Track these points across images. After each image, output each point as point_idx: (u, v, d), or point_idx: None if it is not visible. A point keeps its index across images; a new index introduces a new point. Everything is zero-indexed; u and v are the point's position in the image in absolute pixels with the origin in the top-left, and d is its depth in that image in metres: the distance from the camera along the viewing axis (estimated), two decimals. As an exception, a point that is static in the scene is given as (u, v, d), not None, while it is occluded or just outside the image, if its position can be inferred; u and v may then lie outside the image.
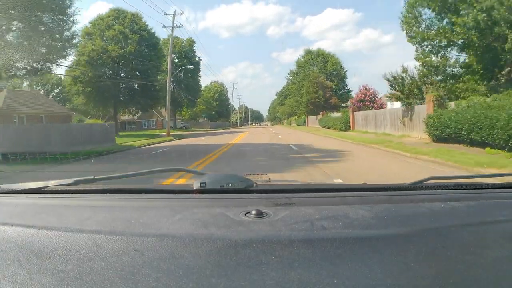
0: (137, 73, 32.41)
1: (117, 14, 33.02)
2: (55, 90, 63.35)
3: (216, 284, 0.57)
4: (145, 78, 31.76)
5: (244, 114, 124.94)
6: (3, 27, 15.76)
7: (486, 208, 0.95)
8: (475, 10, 12.58)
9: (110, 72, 31.27)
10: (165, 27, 28.90)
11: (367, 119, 21.72)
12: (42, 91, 65.53)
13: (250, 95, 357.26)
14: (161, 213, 0.87)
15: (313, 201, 0.98)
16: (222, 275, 0.59)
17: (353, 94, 46.25)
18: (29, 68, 19.37)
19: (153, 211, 0.89)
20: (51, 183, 1.13)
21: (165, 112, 60.46)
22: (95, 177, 1.14)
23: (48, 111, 32.46)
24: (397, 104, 34.63)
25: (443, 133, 12.33)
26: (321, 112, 36.27)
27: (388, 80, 16.21)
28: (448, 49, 17.22)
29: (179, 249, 0.67)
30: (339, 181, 5.62)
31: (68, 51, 21.97)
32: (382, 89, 44.00)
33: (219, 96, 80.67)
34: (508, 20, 11.95)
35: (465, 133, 10.98)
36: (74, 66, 30.51)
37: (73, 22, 21.52)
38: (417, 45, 17.73)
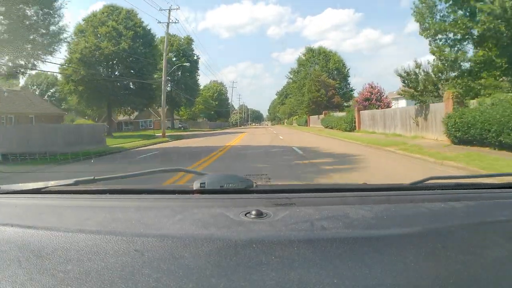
0: (132, 71, 31.04)
1: (111, 11, 31.70)
2: (51, 90, 62.00)
3: (216, 284, 0.57)
4: (140, 76, 30.38)
5: (244, 114, 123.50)
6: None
7: (486, 208, 0.95)
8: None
9: (104, 70, 29.93)
10: (160, 22, 27.52)
11: (375, 118, 20.31)
12: (38, 91, 64.68)
13: (250, 95, 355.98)
14: (161, 213, 0.88)
15: (313, 201, 0.98)
16: (222, 275, 0.59)
17: (355, 93, 45.03)
18: (11, 64, 18.10)
19: (153, 212, 0.90)
20: (51, 183, 1.13)
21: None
22: (95, 178, 1.14)
23: (38, 111, 31.12)
24: (402, 103, 33.38)
25: (466, 135, 10.97)
26: (323, 112, 34.82)
27: (400, 75, 14.78)
28: (464, 43, 15.79)
29: (179, 249, 0.67)
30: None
31: (56, 47, 20.70)
32: (386, 87, 42.68)
33: (219, 95, 79.17)
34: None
35: (494, 135, 9.63)
36: (66, 64, 29.35)
37: (60, 16, 20.15)
38: (430, 38, 16.32)
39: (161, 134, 28.18)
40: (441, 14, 15.47)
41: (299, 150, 11.30)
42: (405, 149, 10.91)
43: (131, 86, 32.25)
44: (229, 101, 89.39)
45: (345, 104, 41.34)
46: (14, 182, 1.14)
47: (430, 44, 16.38)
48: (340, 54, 47.49)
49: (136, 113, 51.68)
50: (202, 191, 1.04)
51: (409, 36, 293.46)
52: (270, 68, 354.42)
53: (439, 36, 15.97)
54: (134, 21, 31.73)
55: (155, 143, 20.59)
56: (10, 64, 17.75)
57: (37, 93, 63.77)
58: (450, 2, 14.43)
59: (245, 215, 0.82)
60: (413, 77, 14.80)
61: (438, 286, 0.57)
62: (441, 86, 14.47)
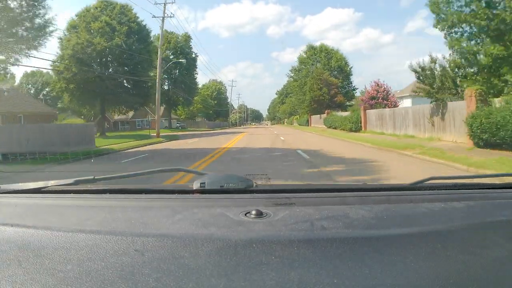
0: (126, 68, 29.66)
1: (105, 6, 30.33)
2: (46, 89, 60.58)
3: (216, 284, 0.57)
4: (135, 74, 28.99)
5: (244, 113, 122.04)
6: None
7: (486, 208, 0.95)
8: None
9: (97, 67, 28.54)
10: (155, 17, 26.07)
11: (383, 118, 18.92)
12: (33, 90, 63.31)
13: (250, 95, 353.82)
14: (161, 213, 0.88)
15: (313, 201, 0.98)
16: (222, 275, 0.59)
17: (358, 92, 43.76)
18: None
19: (153, 211, 0.90)
20: (51, 183, 1.12)
21: (160, 111, 57.84)
22: (95, 177, 1.14)
23: (28, 110, 29.81)
24: (407, 102, 31.98)
25: (494, 137, 9.61)
26: (325, 111, 33.39)
27: (415, 71, 13.41)
28: (483, 36, 14.44)
29: (179, 249, 0.67)
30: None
31: (41, 41, 19.35)
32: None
33: (218, 94, 77.69)
34: None
35: (530, 138, 8.30)
36: (58, 61, 28.04)
37: (45, 7, 18.76)
38: (446, 31, 14.97)
39: (156, 134, 26.91)
40: (459, 4, 14.13)
41: (304, 154, 9.92)
42: (424, 153, 9.57)
43: (126, 85, 30.91)
44: (228, 101, 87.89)
45: (347, 103, 39.97)
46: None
47: (445, 37, 15.08)
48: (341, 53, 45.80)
49: (132, 113, 50.43)
50: (202, 191, 1.03)
51: (409, 35, 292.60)
52: (270, 67, 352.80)
53: (455, 29, 14.68)
54: (129, 16, 30.38)
55: (147, 144, 19.25)
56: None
57: (32, 92, 62.73)
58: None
59: (245, 215, 0.82)
60: (429, 72, 13.44)
61: (438, 286, 0.57)
62: (459, 83, 13.13)
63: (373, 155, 9.72)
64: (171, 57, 45.86)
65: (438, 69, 13.38)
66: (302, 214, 0.82)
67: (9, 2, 17.00)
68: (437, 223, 0.80)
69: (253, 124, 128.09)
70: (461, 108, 12.30)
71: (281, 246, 0.66)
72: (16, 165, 9.13)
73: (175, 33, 49.36)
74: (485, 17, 12.97)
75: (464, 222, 0.81)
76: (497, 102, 10.90)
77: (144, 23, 31.44)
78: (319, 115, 36.77)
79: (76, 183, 1.12)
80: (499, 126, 9.37)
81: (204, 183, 1.02)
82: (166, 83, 49.60)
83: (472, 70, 14.27)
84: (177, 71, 49.16)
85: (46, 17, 18.84)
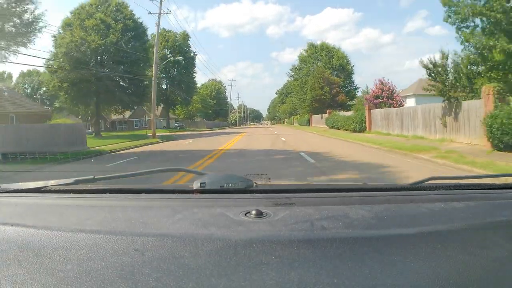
0: (121, 67, 28.74)
1: (100, 2, 29.41)
2: (43, 88, 59.61)
3: (216, 284, 0.57)
4: (131, 72, 28.08)
5: (243, 113, 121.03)
6: None
7: (486, 208, 0.95)
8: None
9: (92, 65, 27.62)
10: (151, 13, 25.10)
11: (389, 118, 18.00)
12: (29, 89, 62.40)
13: (249, 95, 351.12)
14: (161, 213, 0.88)
15: (313, 201, 0.98)
16: (222, 275, 0.59)
17: (359, 92, 42.91)
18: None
19: (153, 211, 0.90)
20: (51, 182, 1.12)
21: (157, 111, 56.81)
22: (95, 177, 1.14)
23: (21, 110, 28.90)
24: (410, 102, 31.01)
25: (518, 139, 8.74)
26: (327, 111, 32.43)
27: (426, 67, 12.48)
28: (497, 30, 13.52)
29: (179, 249, 0.67)
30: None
31: (30, 38, 18.45)
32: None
33: (217, 94, 76.67)
34: None
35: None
36: (52, 59, 27.18)
37: (34, 2, 17.85)
38: (458, 24, 14.06)
39: (152, 134, 26.00)
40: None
41: (309, 157, 8.98)
42: (443, 157, 8.66)
43: (122, 83, 29.98)
44: (228, 100, 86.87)
45: (349, 103, 39.05)
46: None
47: (457, 32, 14.17)
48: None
49: (130, 112, 49.52)
50: (202, 191, 1.03)
51: (409, 35, 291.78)
52: (270, 67, 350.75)
53: (467, 23, 13.77)
54: (124, 13, 29.48)
55: (142, 145, 18.36)
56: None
57: (28, 91, 61.83)
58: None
59: (245, 215, 0.82)
60: (441, 69, 12.52)
61: (438, 286, 0.57)
62: (474, 81, 12.22)
63: (386, 159, 8.80)
64: (169, 55, 44.79)
65: (450, 65, 12.47)
66: (302, 214, 0.83)
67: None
68: (437, 223, 0.79)
69: (252, 124, 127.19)
70: (476, 107, 11.41)
71: (281, 246, 0.66)
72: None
73: (173, 32, 48.44)
74: (501, 10, 12.06)
75: (464, 222, 0.81)
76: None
77: (140, 20, 30.59)
78: (320, 115, 35.84)
79: (76, 182, 1.12)
80: (524, 127, 8.51)
81: (204, 183, 1.02)
82: (164, 82, 48.65)
83: (485, 66, 13.35)
84: (175, 70, 48.20)
85: (36, 12, 17.99)
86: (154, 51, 24.97)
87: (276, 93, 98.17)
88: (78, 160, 11.64)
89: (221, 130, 43.73)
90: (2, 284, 0.59)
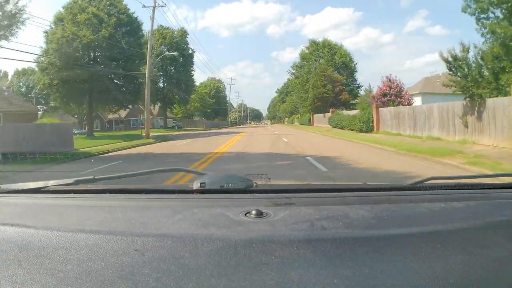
0: (115, 63, 27.38)
1: (93, -4, 28.03)
2: (38, 86, 58.23)
3: (216, 284, 0.57)
4: (125, 69, 26.72)
5: (243, 112, 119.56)
6: None
7: (486, 208, 0.94)
8: None
9: (85, 62, 26.27)
10: (145, 7, 23.76)
11: (400, 117, 16.67)
12: (24, 88, 60.94)
13: (249, 94, 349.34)
14: (161, 213, 0.88)
15: (313, 201, 0.97)
16: (222, 275, 0.59)
17: (362, 90, 41.64)
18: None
19: (153, 211, 0.90)
20: (51, 183, 1.12)
21: (154, 110, 55.38)
22: (95, 177, 1.14)
23: (8, 109, 27.63)
24: (417, 100, 29.65)
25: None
26: (330, 110, 31.06)
27: (446, 61, 11.16)
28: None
29: (179, 249, 0.66)
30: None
31: (12, 30, 17.13)
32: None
33: (216, 93, 75.17)
34: None
35: None
36: (42, 55, 25.85)
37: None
38: (476, 15, 12.79)
39: (151, 133, 24.70)
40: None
41: (318, 163, 7.64)
42: (474, 163, 7.35)
43: (116, 81, 28.62)
44: (227, 99, 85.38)
45: (352, 101, 37.70)
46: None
47: (477, 23, 12.87)
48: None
49: (126, 111, 48.11)
50: (202, 191, 1.03)
51: (409, 35, 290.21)
52: (270, 67, 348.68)
53: (487, 14, 12.48)
54: (118, 7, 28.11)
55: (133, 146, 17.05)
56: None
57: (23, 90, 60.44)
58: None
59: (245, 215, 0.82)
60: (462, 62, 11.21)
61: (438, 286, 0.57)
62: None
63: (408, 165, 7.46)
64: (166, 53, 43.36)
65: (471, 59, 11.16)
66: (302, 214, 0.83)
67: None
68: (437, 223, 0.79)
69: (252, 123, 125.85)
70: (504, 106, 10.12)
71: (281, 246, 0.66)
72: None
73: (170, 28, 47.01)
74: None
75: (464, 222, 0.80)
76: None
77: (135, 15, 29.23)
78: (322, 114, 34.49)
79: (76, 183, 1.12)
80: None
81: (204, 183, 1.01)
82: (161, 80, 47.26)
83: (509, 60, 12.00)
84: (172, 67, 46.77)
85: (19, 3, 16.69)
86: (148, 46, 23.65)
87: (276, 92, 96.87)
88: (55, 163, 10.42)
89: (219, 130, 42.36)
90: (2, 285, 0.58)
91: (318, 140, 16.66)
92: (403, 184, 1.14)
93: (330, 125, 28.09)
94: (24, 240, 0.72)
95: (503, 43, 11.24)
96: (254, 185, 1.03)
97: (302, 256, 0.63)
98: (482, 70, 11.35)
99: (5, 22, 16.45)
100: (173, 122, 54.25)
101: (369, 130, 19.50)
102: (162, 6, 23.81)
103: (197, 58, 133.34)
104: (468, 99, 11.34)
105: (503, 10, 11.82)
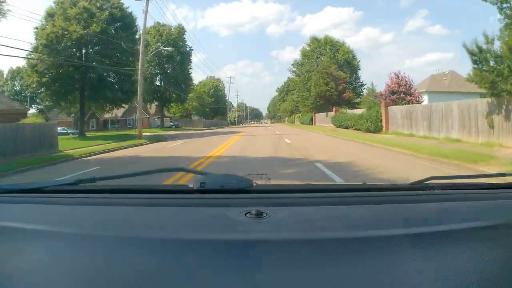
0: (107, 61, 26.07)
1: (85, -10, 26.68)
2: (27, 85, 56.82)
3: (216, 283, 0.57)
4: (118, 66, 25.40)
5: (243, 112, 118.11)
6: None
7: (487, 208, 0.93)
8: None
9: (75, 59, 24.96)
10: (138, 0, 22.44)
11: (412, 116, 15.37)
12: (18, 86, 59.65)
13: (249, 93, 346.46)
14: (161, 213, 0.88)
15: (313, 201, 0.96)
16: (222, 274, 0.58)
17: (365, 88, 40.38)
18: None
19: (153, 211, 0.90)
20: (51, 183, 1.12)
21: (151, 109, 53.99)
22: (95, 177, 1.13)
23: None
24: (424, 99, 28.39)
25: None
26: (333, 108, 29.75)
27: (471, 53, 9.87)
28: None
29: (179, 249, 0.66)
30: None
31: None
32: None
33: (215, 92, 73.75)
34: None
35: None
36: (31, 52, 24.54)
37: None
38: (498, 4, 11.56)
39: (146, 133, 23.44)
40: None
41: (332, 173, 6.30)
42: (520, 172, 6.06)
43: (109, 79, 27.32)
44: (227, 98, 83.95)
45: (355, 100, 36.40)
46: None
47: (500, 12, 11.60)
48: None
49: (123, 110, 46.77)
50: (202, 191, 1.01)
51: (409, 35, 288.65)
52: (270, 66, 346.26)
53: (508, 4, 11.25)
54: (111, 1, 26.79)
55: (123, 147, 15.78)
56: None
57: (17, 89, 59.15)
58: None
59: (245, 214, 0.81)
60: (489, 55, 9.92)
61: (438, 286, 0.57)
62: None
63: (438, 174, 6.15)
64: (161, 48, 41.95)
65: (502, 49, 9.85)
66: (302, 214, 0.82)
67: None
68: (437, 223, 0.78)
69: (252, 122, 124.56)
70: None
71: (281, 246, 0.66)
72: None
73: (167, 25, 45.61)
74: None
75: (465, 222, 0.79)
76: None
77: (130, 10, 27.89)
78: (325, 113, 33.17)
79: (76, 183, 1.11)
80: None
81: (204, 183, 0.99)
82: (158, 79, 45.88)
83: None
84: (169, 65, 45.40)
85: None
86: (141, 40, 22.36)
87: (277, 91, 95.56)
88: (29, 169, 9.15)
89: (218, 130, 41.02)
90: (3, 283, 0.58)
91: (323, 141, 15.35)
92: (403, 184, 1.12)
93: (334, 125, 26.79)
94: (24, 240, 0.72)
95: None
96: (254, 185, 1.01)
97: (302, 256, 0.63)
98: (510, 64, 10.07)
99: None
100: (171, 122, 52.89)
101: (378, 130, 18.19)
102: (156, -1, 22.45)
103: (198, 58, 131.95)
104: (493, 96, 10.05)
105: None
